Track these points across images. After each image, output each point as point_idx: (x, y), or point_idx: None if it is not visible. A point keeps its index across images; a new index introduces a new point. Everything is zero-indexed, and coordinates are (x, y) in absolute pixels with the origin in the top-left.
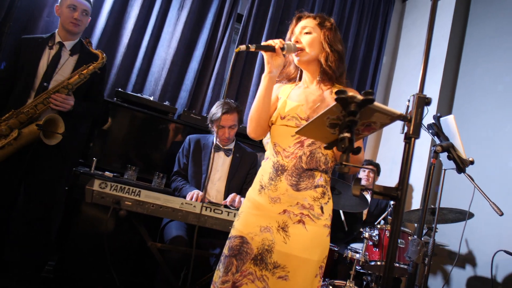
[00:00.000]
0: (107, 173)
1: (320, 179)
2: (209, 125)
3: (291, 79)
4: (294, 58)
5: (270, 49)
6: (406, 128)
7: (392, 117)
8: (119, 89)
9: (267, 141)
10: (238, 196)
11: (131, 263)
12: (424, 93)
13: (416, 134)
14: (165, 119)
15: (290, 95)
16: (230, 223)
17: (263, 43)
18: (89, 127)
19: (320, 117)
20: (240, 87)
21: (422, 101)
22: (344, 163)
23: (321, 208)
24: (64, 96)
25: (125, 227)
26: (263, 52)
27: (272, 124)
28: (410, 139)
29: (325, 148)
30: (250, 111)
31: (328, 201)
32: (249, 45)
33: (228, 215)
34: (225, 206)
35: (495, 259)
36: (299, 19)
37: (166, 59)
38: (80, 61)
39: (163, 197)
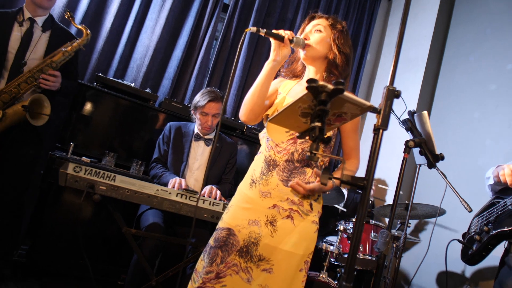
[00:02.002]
0: (84, 158)
1: (312, 176)
2: (192, 111)
3: (296, 76)
4: (301, 52)
5: (279, 38)
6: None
7: (362, 108)
8: (100, 74)
9: (262, 136)
10: (215, 189)
11: (107, 250)
12: (406, 90)
13: (384, 126)
14: (145, 107)
15: (290, 91)
16: (206, 211)
17: (274, 31)
18: (68, 111)
19: (292, 106)
20: (224, 76)
21: (392, 93)
22: (314, 151)
23: (311, 204)
24: (57, 73)
25: (102, 215)
26: (271, 39)
27: (268, 118)
28: (378, 130)
29: (298, 137)
30: (247, 95)
31: (317, 198)
32: (260, 29)
33: (203, 203)
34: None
35: (454, 252)
36: (312, 18)
37: (149, 46)
38: (53, 37)
39: (138, 183)
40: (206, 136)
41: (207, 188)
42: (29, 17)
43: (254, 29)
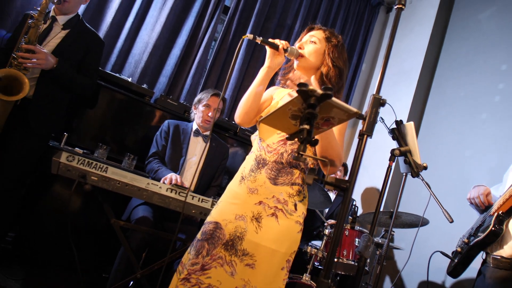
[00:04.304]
0: (77, 149)
1: (299, 177)
2: (193, 107)
3: (292, 85)
4: (294, 62)
5: (274, 46)
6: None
7: (349, 114)
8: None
9: (254, 137)
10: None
11: (94, 242)
12: (399, 100)
13: (369, 132)
14: (141, 102)
15: (284, 98)
16: (194, 207)
17: (270, 40)
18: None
19: (283, 108)
20: (221, 77)
21: (377, 101)
22: (301, 153)
23: (295, 205)
24: (33, 47)
25: (92, 206)
26: (267, 47)
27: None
28: (363, 136)
29: (287, 139)
30: (242, 98)
31: (303, 200)
32: (257, 36)
33: (192, 199)
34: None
35: (435, 262)
36: (310, 29)
37: (149, 43)
38: (69, 35)
39: (130, 175)
40: (204, 133)
41: (170, 176)
42: (52, 16)
43: (251, 36)
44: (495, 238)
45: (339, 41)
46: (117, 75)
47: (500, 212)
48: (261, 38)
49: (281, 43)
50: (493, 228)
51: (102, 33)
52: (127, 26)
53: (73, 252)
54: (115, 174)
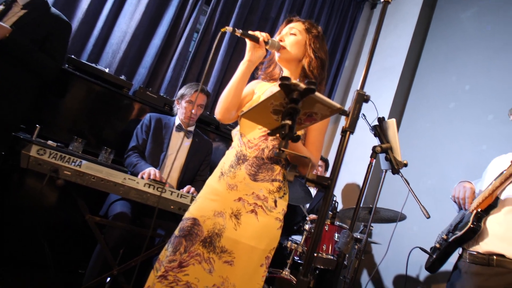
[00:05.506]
0: (50, 142)
1: (279, 174)
2: (176, 101)
3: (273, 79)
4: (276, 54)
5: (255, 39)
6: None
7: (332, 110)
8: (72, 56)
9: (235, 133)
10: (193, 189)
11: (72, 238)
12: (380, 97)
13: (352, 128)
14: (119, 94)
15: (266, 91)
16: (173, 202)
17: (250, 32)
18: (37, 94)
19: (265, 102)
20: (202, 69)
21: (361, 97)
22: (282, 149)
23: (275, 201)
24: None
25: (68, 201)
26: (247, 40)
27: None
28: (345, 132)
29: (269, 134)
30: (222, 93)
31: (283, 196)
32: (236, 29)
33: (171, 194)
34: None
35: (412, 256)
36: (289, 21)
37: (127, 32)
38: (28, 14)
39: (105, 170)
40: (187, 128)
41: (185, 188)
42: None
43: (230, 29)
44: (473, 235)
45: (319, 31)
46: (93, 65)
47: (479, 210)
48: (240, 30)
49: (261, 35)
50: (471, 225)
51: (76, 19)
52: (104, 14)
53: (45, 248)
54: (90, 169)
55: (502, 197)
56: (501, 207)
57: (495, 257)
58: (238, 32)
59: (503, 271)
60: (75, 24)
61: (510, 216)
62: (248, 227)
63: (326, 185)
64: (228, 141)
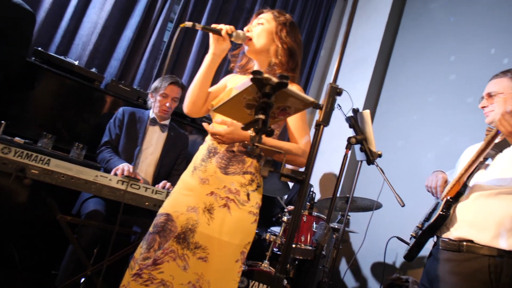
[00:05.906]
0: (17, 139)
1: (251, 166)
2: (150, 95)
3: (249, 73)
4: (244, 48)
5: (217, 32)
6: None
7: (305, 104)
8: (39, 48)
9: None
10: (169, 184)
11: (44, 237)
12: (354, 88)
13: (325, 122)
14: (90, 87)
15: (238, 84)
16: (148, 199)
17: (212, 26)
18: (1, 89)
19: (237, 97)
20: (177, 62)
21: (334, 90)
22: (255, 144)
23: (248, 195)
24: None
25: (38, 200)
26: (210, 34)
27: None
28: (319, 126)
29: (242, 129)
30: (189, 87)
31: (256, 189)
32: (196, 24)
33: (145, 190)
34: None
35: (388, 244)
36: (259, 13)
37: (98, 23)
38: None
39: (76, 167)
40: (162, 122)
41: (161, 184)
42: None
43: (189, 24)
44: (442, 221)
45: (288, 19)
46: (61, 57)
47: (448, 197)
48: (201, 25)
49: (224, 27)
50: (441, 212)
51: (43, 10)
52: (72, 4)
53: (12, 250)
54: (59, 167)
55: (471, 184)
56: (469, 193)
57: (464, 243)
58: (199, 27)
59: (473, 256)
60: (41, 14)
61: (479, 202)
62: (221, 222)
63: (301, 180)
64: (205, 134)
